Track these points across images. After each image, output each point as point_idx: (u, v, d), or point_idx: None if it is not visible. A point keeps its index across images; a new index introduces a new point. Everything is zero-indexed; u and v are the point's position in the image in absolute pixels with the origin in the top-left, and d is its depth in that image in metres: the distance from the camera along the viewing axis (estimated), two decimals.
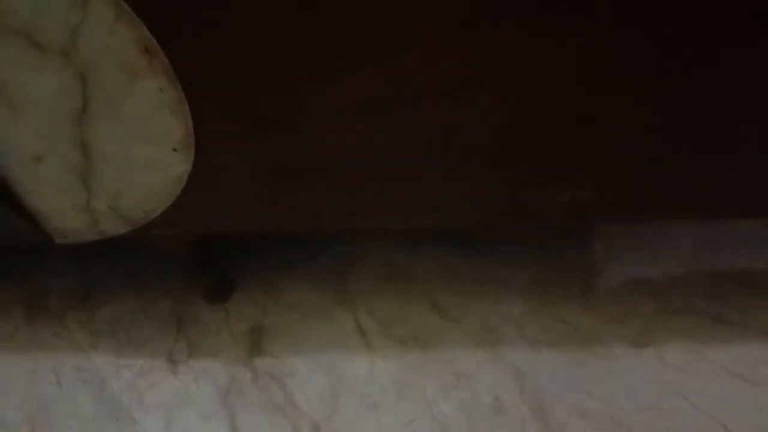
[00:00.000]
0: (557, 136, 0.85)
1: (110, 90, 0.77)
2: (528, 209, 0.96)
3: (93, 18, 0.71)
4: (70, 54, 0.74)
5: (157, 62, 0.75)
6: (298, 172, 0.89)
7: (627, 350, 1.09)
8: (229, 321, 1.18)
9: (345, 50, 0.75)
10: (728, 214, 1.05)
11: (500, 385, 1.07)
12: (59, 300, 1.22)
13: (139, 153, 0.84)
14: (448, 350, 1.12)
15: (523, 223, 1.10)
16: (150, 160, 0.85)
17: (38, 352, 1.15)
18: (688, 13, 0.71)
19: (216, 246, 1.18)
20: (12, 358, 1.15)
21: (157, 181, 0.88)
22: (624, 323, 1.12)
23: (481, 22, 0.72)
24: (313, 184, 0.92)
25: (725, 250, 1.19)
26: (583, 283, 1.18)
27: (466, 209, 0.98)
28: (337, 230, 1.22)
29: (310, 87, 0.79)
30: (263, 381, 1.10)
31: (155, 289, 1.21)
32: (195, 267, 1.17)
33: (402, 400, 1.07)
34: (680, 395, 1.03)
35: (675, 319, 1.11)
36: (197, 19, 0.73)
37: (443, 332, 1.14)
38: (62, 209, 0.92)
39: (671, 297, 1.14)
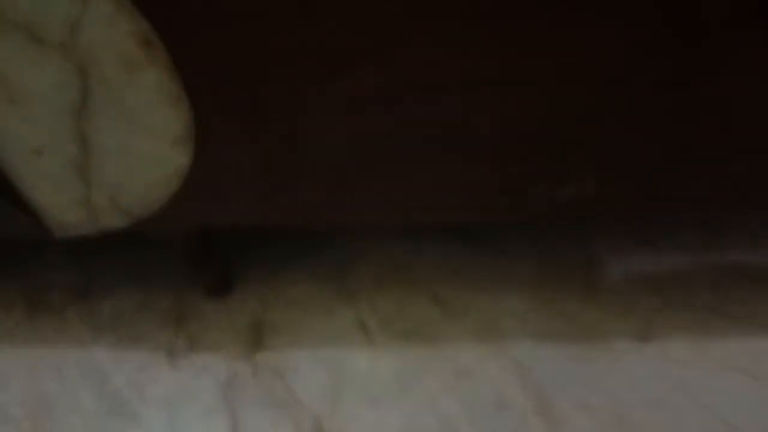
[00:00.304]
0: (558, 132, 0.85)
1: (110, 83, 0.78)
2: (530, 205, 0.96)
3: (93, 11, 0.71)
4: (70, 47, 0.74)
5: (157, 55, 0.75)
6: (298, 167, 0.89)
7: (630, 345, 1.09)
8: (230, 316, 1.18)
9: (345, 46, 0.75)
10: (728, 210, 1.05)
11: (502, 381, 1.07)
12: (60, 295, 1.22)
13: (139, 146, 0.84)
14: (450, 345, 1.12)
15: (524, 219, 1.09)
16: (150, 153, 0.85)
17: (39, 347, 1.15)
18: (689, 11, 0.71)
19: (217, 240, 1.18)
20: (13, 353, 1.15)
21: (157, 175, 0.88)
22: (626, 318, 1.12)
23: (481, 20, 0.72)
24: (313, 180, 0.92)
25: (727, 245, 1.19)
26: (585, 278, 1.18)
27: (467, 205, 0.98)
28: (338, 226, 1.22)
29: (310, 82, 0.79)
30: (264, 376, 1.10)
31: (156, 284, 1.21)
32: (196, 262, 1.17)
33: (404, 396, 1.07)
34: (683, 390, 1.03)
35: (678, 313, 1.11)
36: (197, 13, 0.73)
37: (445, 327, 1.14)
38: (62, 203, 0.92)
39: (674, 292, 1.14)
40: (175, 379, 1.10)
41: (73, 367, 1.13)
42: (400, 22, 0.73)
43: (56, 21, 0.72)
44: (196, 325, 1.17)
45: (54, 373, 1.12)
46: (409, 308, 1.16)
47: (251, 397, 1.08)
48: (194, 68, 0.77)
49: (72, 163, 0.86)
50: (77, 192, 0.90)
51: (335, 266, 1.23)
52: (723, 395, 1.02)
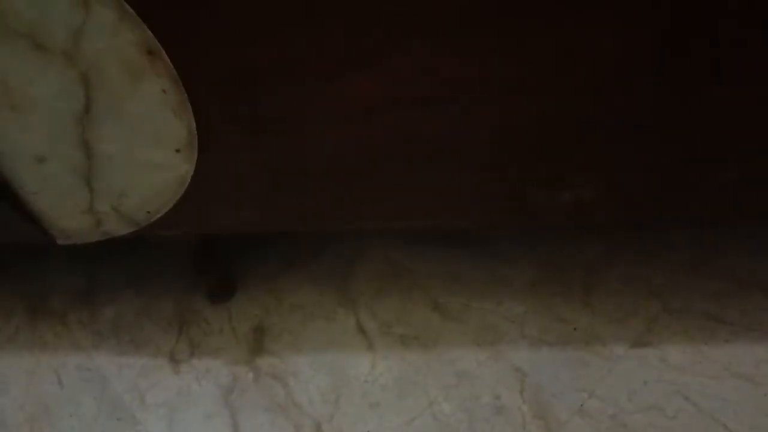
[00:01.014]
0: (558, 137, 0.86)
1: (113, 91, 0.77)
2: (529, 210, 0.96)
3: (95, 20, 0.71)
4: (73, 55, 0.74)
5: (160, 63, 0.75)
6: (300, 172, 0.90)
7: (628, 350, 1.09)
8: (232, 321, 1.18)
9: (346, 51, 0.75)
10: (726, 215, 1.06)
11: (501, 385, 1.08)
12: (61, 300, 1.22)
13: (142, 154, 0.84)
14: (449, 350, 1.12)
15: (524, 223, 1.10)
16: (153, 161, 0.85)
17: (39, 352, 1.15)
18: (690, 15, 0.71)
19: (218, 246, 1.18)
20: (13, 358, 1.15)
21: (161, 182, 0.88)
22: (624, 323, 1.12)
23: (480, 24, 0.72)
24: (314, 185, 0.92)
25: (726, 251, 1.19)
26: (583, 283, 1.18)
27: (467, 210, 0.98)
28: (339, 230, 1.22)
29: (311, 88, 0.79)
30: (265, 380, 1.10)
31: (157, 289, 1.21)
32: (197, 266, 1.17)
33: (403, 400, 1.08)
34: (682, 395, 1.03)
35: (676, 319, 1.12)
36: (199, 21, 0.73)
37: (444, 332, 1.14)
38: (65, 210, 0.92)
39: (672, 298, 1.14)
40: (176, 384, 1.11)
41: (73, 372, 1.13)
42: (398, 30, 0.73)
43: (58, 29, 0.72)
44: (197, 329, 1.17)
45: (54, 378, 1.12)
46: (409, 313, 1.17)
47: (252, 402, 1.08)
48: (196, 75, 0.77)
49: (75, 170, 0.86)
50: (80, 199, 0.90)
51: (335, 272, 1.23)
52: (722, 401, 1.02)
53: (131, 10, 0.71)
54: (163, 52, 0.75)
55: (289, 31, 0.74)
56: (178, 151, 0.84)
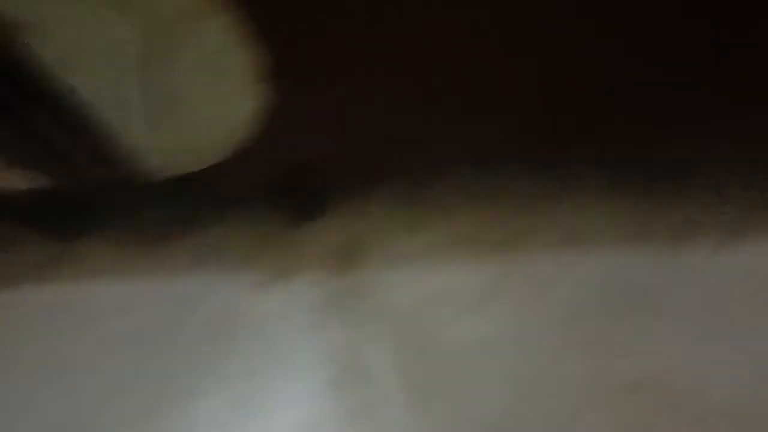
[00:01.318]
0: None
1: (175, 32, 0.78)
2: None
3: None
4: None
5: (219, 2, 0.75)
6: (365, 113, 0.92)
7: (718, 246, 1.07)
8: (319, 239, 1.20)
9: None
10: None
11: (581, 289, 1.07)
12: (155, 230, 1.24)
13: (212, 91, 0.85)
14: (533, 256, 1.12)
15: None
16: (223, 97, 0.86)
17: (138, 279, 1.19)
18: None
19: (300, 171, 1.18)
20: (113, 287, 1.20)
21: (233, 118, 0.89)
22: (719, 215, 1.09)
23: None
24: (378, 125, 0.94)
25: None
26: (669, 184, 1.14)
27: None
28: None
29: (377, 31, 0.79)
30: (356, 294, 1.13)
31: (243, 212, 1.23)
32: (281, 192, 1.17)
33: (490, 307, 1.08)
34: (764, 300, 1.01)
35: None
36: None
37: (528, 238, 1.14)
38: (147, 149, 0.94)
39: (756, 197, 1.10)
40: (268, 304, 1.14)
41: (170, 297, 1.17)
42: None
43: None
44: (285, 250, 1.19)
45: (153, 303, 1.17)
46: (492, 223, 1.16)
47: (345, 316, 1.11)
48: (264, 11, 0.76)
49: (147, 112, 0.87)
50: (156, 139, 0.92)
51: (419, 185, 1.22)
52: None
53: None
54: None
55: None
56: (249, 85, 0.84)
